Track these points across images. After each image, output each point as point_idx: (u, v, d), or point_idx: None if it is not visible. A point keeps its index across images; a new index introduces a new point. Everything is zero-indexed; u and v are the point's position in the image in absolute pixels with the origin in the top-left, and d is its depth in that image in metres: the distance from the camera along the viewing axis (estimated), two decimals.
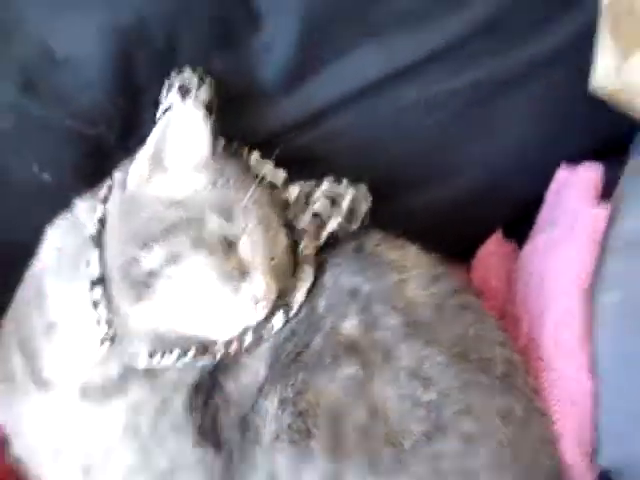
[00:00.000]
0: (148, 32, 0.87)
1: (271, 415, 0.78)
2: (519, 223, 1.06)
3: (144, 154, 0.80)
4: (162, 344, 0.79)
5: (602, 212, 0.92)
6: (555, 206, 1.00)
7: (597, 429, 0.83)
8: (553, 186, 1.02)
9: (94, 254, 0.80)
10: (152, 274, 0.77)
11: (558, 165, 1.02)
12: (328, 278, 0.85)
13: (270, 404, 0.79)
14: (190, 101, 0.83)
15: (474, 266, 1.06)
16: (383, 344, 0.79)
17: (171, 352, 0.79)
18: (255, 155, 0.88)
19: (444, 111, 1.01)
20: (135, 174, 0.80)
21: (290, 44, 0.93)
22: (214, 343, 0.80)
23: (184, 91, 0.84)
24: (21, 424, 0.84)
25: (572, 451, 0.82)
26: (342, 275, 0.85)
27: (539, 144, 1.05)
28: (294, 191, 0.87)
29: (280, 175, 0.88)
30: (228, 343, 0.80)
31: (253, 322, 0.79)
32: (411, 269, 0.86)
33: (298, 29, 0.92)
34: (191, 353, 0.79)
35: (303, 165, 0.97)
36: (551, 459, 0.81)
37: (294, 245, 0.85)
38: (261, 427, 0.78)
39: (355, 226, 0.88)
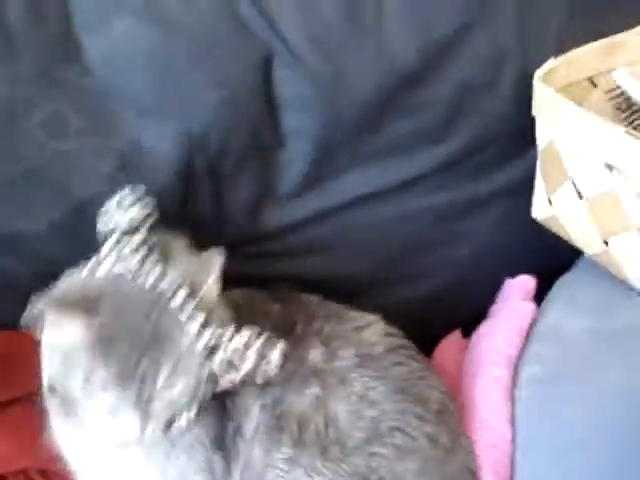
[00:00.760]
0: (207, 139, 1.13)
1: (254, 415, 0.99)
2: (476, 323, 1.27)
3: None
4: None
5: (529, 306, 1.18)
6: (498, 304, 1.25)
7: (514, 467, 1.04)
8: (501, 291, 1.28)
9: None
10: None
11: (509, 276, 1.27)
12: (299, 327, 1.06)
13: (254, 407, 1.00)
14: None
15: (434, 355, 1.28)
16: (340, 372, 1.01)
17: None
18: (177, 301, 0.92)
19: (418, 222, 1.26)
20: None
21: (304, 162, 1.19)
22: None
23: (119, 204, 0.98)
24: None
25: None
26: (310, 323, 1.06)
27: (495, 258, 1.29)
28: (200, 344, 0.91)
29: (193, 326, 0.92)
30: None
31: None
32: (368, 323, 1.09)
33: (311, 151, 1.18)
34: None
35: (302, 255, 1.25)
36: None
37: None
38: (245, 424, 0.99)
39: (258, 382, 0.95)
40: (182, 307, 0.91)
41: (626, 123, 1.17)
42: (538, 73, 1.12)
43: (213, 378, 0.91)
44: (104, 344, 0.89)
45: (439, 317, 1.30)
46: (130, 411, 0.90)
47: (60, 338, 0.91)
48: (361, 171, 1.22)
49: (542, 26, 1.20)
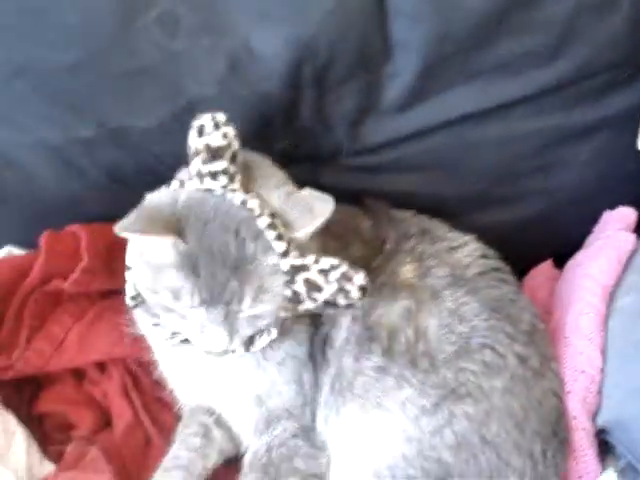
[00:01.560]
0: (315, 48, 1.12)
1: (344, 327, 1.02)
2: (567, 256, 1.26)
3: None
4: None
5: (629, 236, 1.16)
6: (595, 234, 1.23)
7: (601, 395, 1.04)
8: (600, 222, 1.25)
9: None
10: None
11: (606, 209, 1.25)
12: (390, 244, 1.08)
13: (344, 319, 1.03)
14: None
15: (525, 282, 1.27)
16: (432, 287, 1.03)
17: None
18: (264, 222, 0.92)
19: (517, 147, 1.24)
20: None
21: (412, 75, 1.17)
22: None
23: (199, 132, 0.96)
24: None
25: (576, 406, 1.03)
26: (402, 242, 1.08)
27: (595, 188, 1.27)
28: (285, 264, 0.92)
29: (280, 245, 0.92)
30: None
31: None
32: (464, 244, 1.10)
33: (418, 65, 1.16)
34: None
35: (402, 171, 1.25)
36: (557, 407, 1.01)
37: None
38: (335, 335, 1.03)
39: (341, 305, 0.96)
40: (269, 227, 0.92)
41: None
42: None
43: (296, 299, 0.93)
44: (193, 264, 0.91)
45: (533, 244, 1.29)
46: (217, 328, 0.93)
47: (150, 257, 0.94)
48: (467, 89, 1.19)
49: None
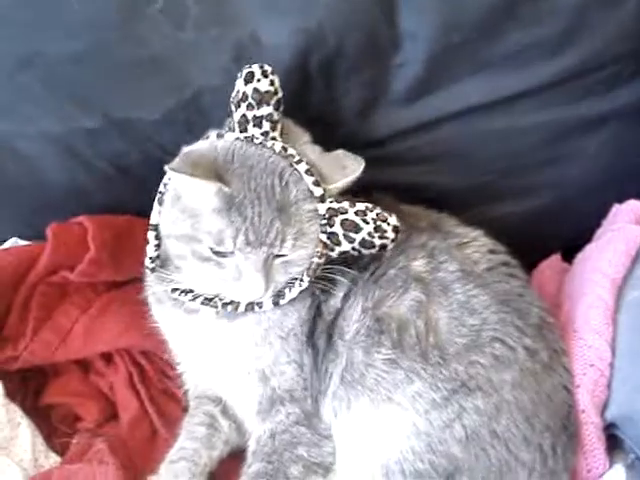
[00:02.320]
0: (323, 38, 1.12)
1: (354, 319, 1.02)
2: (576, 250, 1.25)
3: None
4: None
5: (638, 230, 1.14)
6: (604, 227, 1.22)
7: (610, 389, 1.03)
8: (608, 214, 1.24)
9: None
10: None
11: (615, 201, 1.24)
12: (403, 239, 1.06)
13: (354, 311, 1.02)
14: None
15: (534, 274, 1.26)
16: (442, 281, 1.02)
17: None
18: (302, 167, 0.98)
19: (525, 139, 1.23)
20: None
21: (420, 66, 1.16)
22: None
23: (247, 79, 0.99)
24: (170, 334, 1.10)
25: (585, 400, 1.02)
26: (413, 237, 1.07)
27: (602, 181, 1.26)
28: (323, 207, 0.97)
29: (318, 190, 0.97)
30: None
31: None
32: (473, 239, 1.10)
33: (427, 56, 1.15)
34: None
35: (408, 164, 1.24)
36: (566, 401, 1.01)
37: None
38: (345, 327, 1.02)
39: (369, 252, 1.00)
40: (308, 173, 0.97)
41: None
42: None
43: (333, 242, 0.97)
44: (238, 207, 0.93)
45: (541, 237, 1.28)
46: (255, 273, 0.95)
47: (191, 202, 0.96)
48: (475, 80, 1.19)
49: None
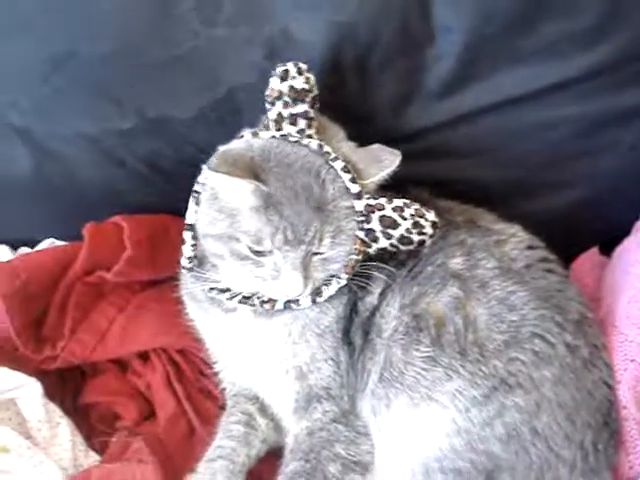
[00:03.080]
0: (356, 32, 1.11)
1: (392, 316, 1.02)
2: (615, 243, 1.23)
3: None
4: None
5: None
6: None
7: None
8: None
9: None
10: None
11: None
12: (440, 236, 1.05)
13: (392, 309, 1.02)
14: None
15: (572, 268, 1.25)
16: (480, 278, 1.01)
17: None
18: (339, 164, 0.98)
19: (561, 131, 1.21)
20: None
21: (454, 59, 1.15)
22: None
23: (283, 77, 0.99)
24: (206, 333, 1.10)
25: (626, 396, 1.00)
26: (450, 234, 1.06)
27: (638, 174, 1.23)
28: (360, 204, 0.97)
29: (355, 187, 0.97)
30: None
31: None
32: (511, 236, 1.08)
33: (462, 48, 1.14)
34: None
35: (443, 158, 1.23)
36: (607, 397, 0.99)
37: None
38: (383, 325, 1.02)
39: (407, 248, 1.00)
40: (344, 170, 0.97)
41: None
42: None
43: (371, 238, 0.97)
44: (276, 206, 0.94)
45: (579, 230, 1.26)
46: (293, 272, 0.96)
47: (228, 202, 0.96)
48: (510, 72, 1.17)
49: None
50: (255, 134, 0.99)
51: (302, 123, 0.99)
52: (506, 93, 1.19)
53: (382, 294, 1.03)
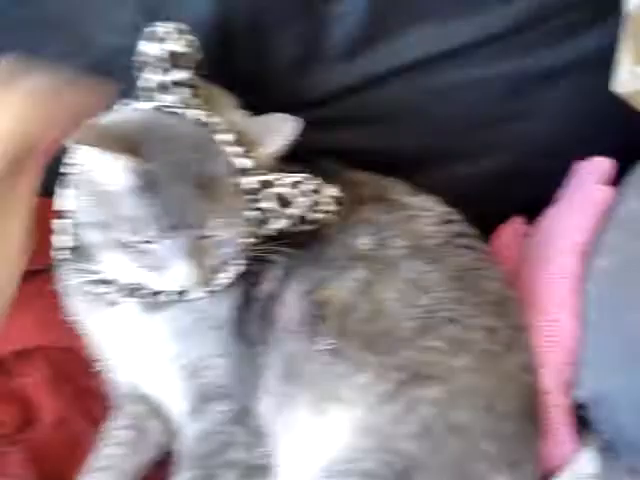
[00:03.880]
0: None
1: (292, 304, 0.92)
2: (538, 213, 1.16)
3: None
4: None
5: (604, 191, 1.04)
6: (568, 187, 1.12)
7: (578, 367, 0.94)
8: (572, 174, 1.14)
9: None
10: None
11: (581, 158, 1.13)
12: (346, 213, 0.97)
13: (292, 296, 0.93)
14: None
15: (492, 240, 1.16)
16: (389, 259, 0.93)
17: None
18: (228, 137, 0.90)
19: (478, 95, 1.13)
20: None
21: (358, 17, 1.07)
22: None
23: (161, 39, 0.91)
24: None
25: (550, 380, 0.93)
26: (357, 210, 0.97)
27: (565, 138, 1.16)
28: (252, 180, 0.90)
29: (246, 162, 0.90)
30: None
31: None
32: (424, 210, 1.00)
33: (367, 5, 1.06)
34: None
35: (353, 124, 1.14)
36: (530, 383, 0.92)
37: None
38: (283, 314, 0.92)
39: (308, 228, 0.93)
40: (233, 144, 0.88)
41: None
42: None
43: (264, 218, 0.89)
44: (153, 187, 0.83)
45: (500, 200, 1.17)
46: (181, 259, 0.85)
47: (103, 185, 0.85)
48: (420, 31, 1.09)
49: None
50: (129, 104, 0.89)
51: (186, 92, 0.89)
52: (416, 54, 1.10)
53: (281, 280, 0.94)
